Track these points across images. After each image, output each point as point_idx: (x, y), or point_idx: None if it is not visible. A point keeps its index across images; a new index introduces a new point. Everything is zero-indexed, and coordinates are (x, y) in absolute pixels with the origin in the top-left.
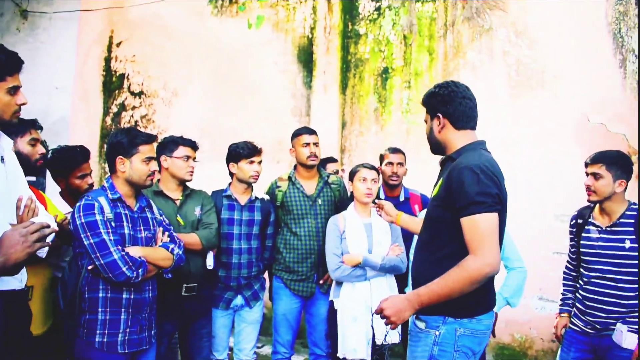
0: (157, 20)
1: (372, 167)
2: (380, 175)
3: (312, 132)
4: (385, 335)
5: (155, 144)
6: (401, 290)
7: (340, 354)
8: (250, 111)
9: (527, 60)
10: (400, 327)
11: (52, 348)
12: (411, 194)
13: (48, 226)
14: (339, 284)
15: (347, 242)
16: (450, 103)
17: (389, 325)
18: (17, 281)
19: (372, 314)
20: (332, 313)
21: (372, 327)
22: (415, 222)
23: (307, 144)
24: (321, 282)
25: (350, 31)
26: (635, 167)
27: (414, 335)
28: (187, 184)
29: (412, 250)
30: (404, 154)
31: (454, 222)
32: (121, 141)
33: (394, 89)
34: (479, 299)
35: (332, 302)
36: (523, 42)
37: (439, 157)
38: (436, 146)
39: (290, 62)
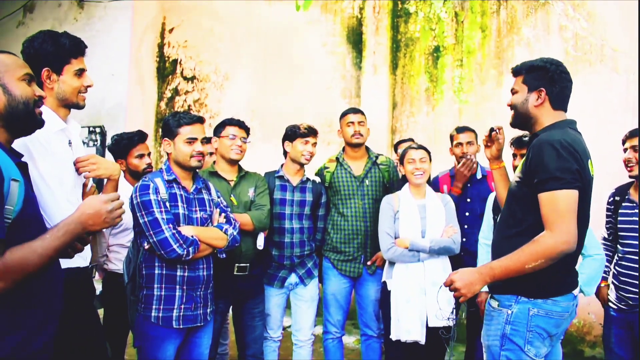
0: (207, 5)
1: (420, 147)
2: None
3: (357, 111)
4: (438, 306)
5: (203, 126)
6: None
7: (393, 336)
8: (300, 93)
9: (585, 34)
10: (453, 312)
11: (113, 322)
12: (488, 171)
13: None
14: (392, 264)
15: (400, 222)
16: (558, 83)
17: (439, 303)
18: (82, 259)
19: (426, 294)
20: (385, 294)
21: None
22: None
23: (352, 123)
24: (369, 263)
25: (400, 10)
26: None
27: (488, 314)
28: (242, 166)
29: (481, 233)
30: (473, 131)
31: (533, 198)
32: (167, 124)
33: (445, 68)
34: (555, 279)
35: (385, 283)
36: (581, 15)
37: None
38: (523, 118)
39: (339, 43)
